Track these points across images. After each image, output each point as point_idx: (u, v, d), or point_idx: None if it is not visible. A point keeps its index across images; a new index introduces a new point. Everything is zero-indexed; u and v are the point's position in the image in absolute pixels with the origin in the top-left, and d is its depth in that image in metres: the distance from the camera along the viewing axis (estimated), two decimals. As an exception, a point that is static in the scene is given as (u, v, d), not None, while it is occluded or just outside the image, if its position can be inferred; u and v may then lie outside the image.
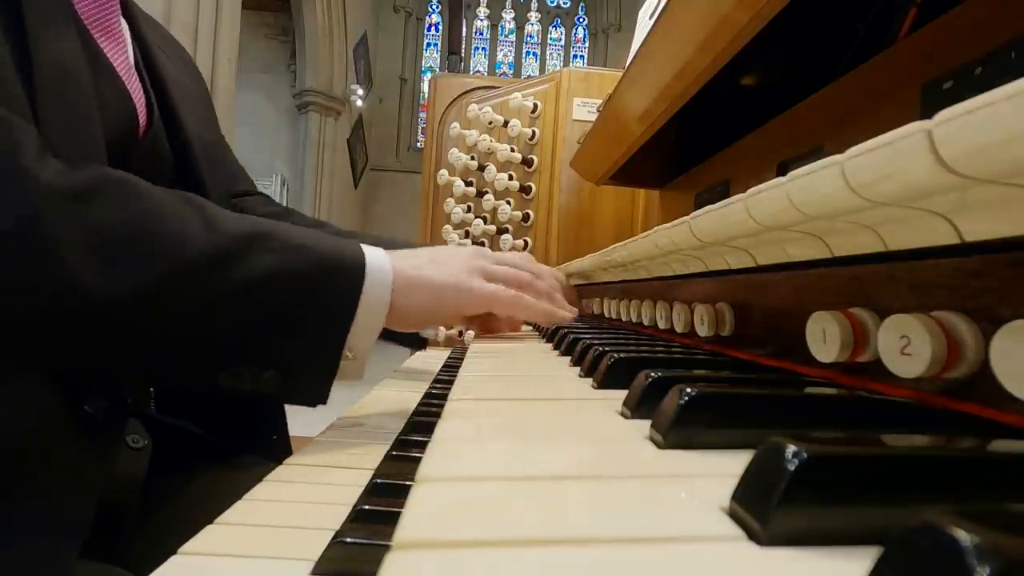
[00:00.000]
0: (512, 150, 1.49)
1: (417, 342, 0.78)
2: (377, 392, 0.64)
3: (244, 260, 0.44)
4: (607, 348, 0.46)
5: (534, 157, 1.48)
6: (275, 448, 0.74)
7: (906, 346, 0.27)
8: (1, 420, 0.42)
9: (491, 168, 1.50)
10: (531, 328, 0.91)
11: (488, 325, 0.75)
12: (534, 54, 11.29)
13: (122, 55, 0.61)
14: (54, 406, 0.44)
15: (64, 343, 0.42)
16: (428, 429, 0.34)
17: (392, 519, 0.20)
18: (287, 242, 0.46)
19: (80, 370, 0.45)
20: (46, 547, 0.42)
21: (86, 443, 0.46)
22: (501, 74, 10.97)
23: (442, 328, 1.58)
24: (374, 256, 0.49)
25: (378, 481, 0.32)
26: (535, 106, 1.49)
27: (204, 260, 0.43)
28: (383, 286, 0.49)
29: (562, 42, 11.29)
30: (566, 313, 0.69)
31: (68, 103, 0.49)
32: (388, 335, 0.72)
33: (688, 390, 0.26)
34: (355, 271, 0.47)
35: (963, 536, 0.11)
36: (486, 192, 1.52)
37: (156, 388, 0.64)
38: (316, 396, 0.46)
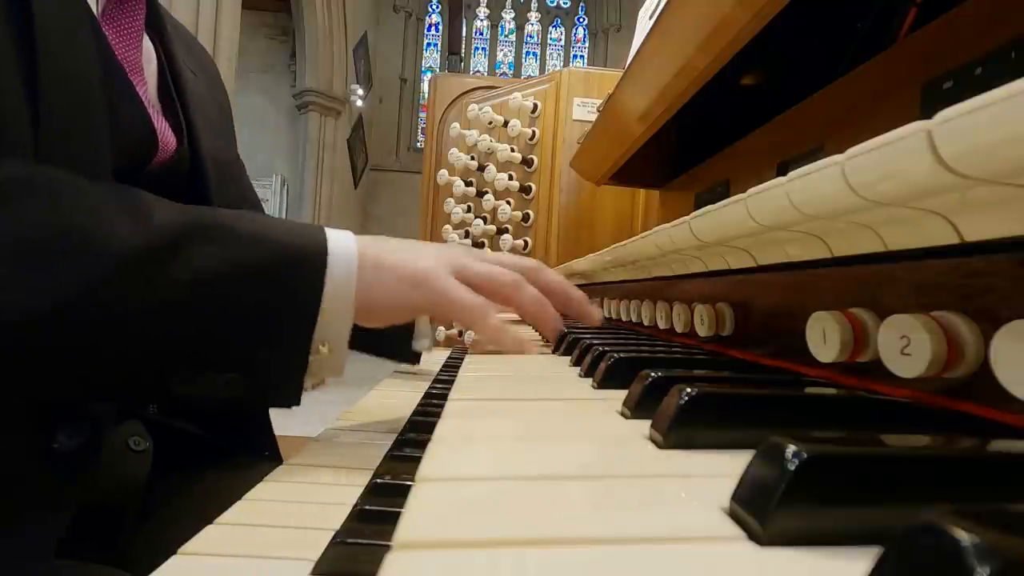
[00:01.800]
0: (512, 150, 1.49)
1: (410, 356, 0.73)
2: (377, 392, 0.64)
3: (182, 256, 0.39)
4: (607, 348, 0.46)
5: (534, 157, 1.48)
6: (275, 449, 0.74)
7: (906, 346, 0.27)
8: None
9: (491, 168, 1.50)
10: (531, 328, 0.91)
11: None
12: (534, 54, 11.29)
13: (142, 77, 0.60)
14: (20, 445, 0.42)
15: None
16: (428, 429, 0.34)
17: (392, 519, 0.20)
18: (234, 231, 0.42)
19: (10, 396, 0.41)
20: None
21: (54, 481, 0.44)
22: (501, 74, 10.97)
23: (442, 328, 1.58)
24: (338, 239, 0.45)
25: (378, 481, 0.32)
26: (535, 106, 1.49)
27: (134, 260, 0.38)
28: (349, 271, 0.44)
29: (562, 42, 11.29)
30: (530, 345, 0.58)
31: (75, 123, 0.47)
32: (378, 350, 0.70)
33: (688, 390, 0.26)
34: (317, 258, 0.42)
35: (963, 536, 0.11)
36: (486, 192, 1.52)
37: (105, 403, 0.62)
38: (287, 398, 0.43)
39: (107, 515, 0.57)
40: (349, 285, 0.44)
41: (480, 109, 1.55)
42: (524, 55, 11.23)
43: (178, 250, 0.40)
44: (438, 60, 10.96)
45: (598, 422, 0.32)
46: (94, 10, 0.52)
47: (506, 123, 1.50)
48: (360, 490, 0.31)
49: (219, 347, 0.40)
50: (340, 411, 0.52)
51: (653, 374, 0.32)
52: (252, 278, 0.41)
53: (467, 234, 1.56)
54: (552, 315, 0.56)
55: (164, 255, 0.39)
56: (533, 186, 1.48)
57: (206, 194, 0.66)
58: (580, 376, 0.47)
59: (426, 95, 5.25)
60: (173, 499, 0.62)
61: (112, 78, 0.53)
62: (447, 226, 1.62)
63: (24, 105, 0.44)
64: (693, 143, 0.96)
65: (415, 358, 0.71)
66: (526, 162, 1.49)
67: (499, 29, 11.25)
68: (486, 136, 1.55)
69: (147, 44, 0.62)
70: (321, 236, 0.44)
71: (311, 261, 0.43)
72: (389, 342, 0.67)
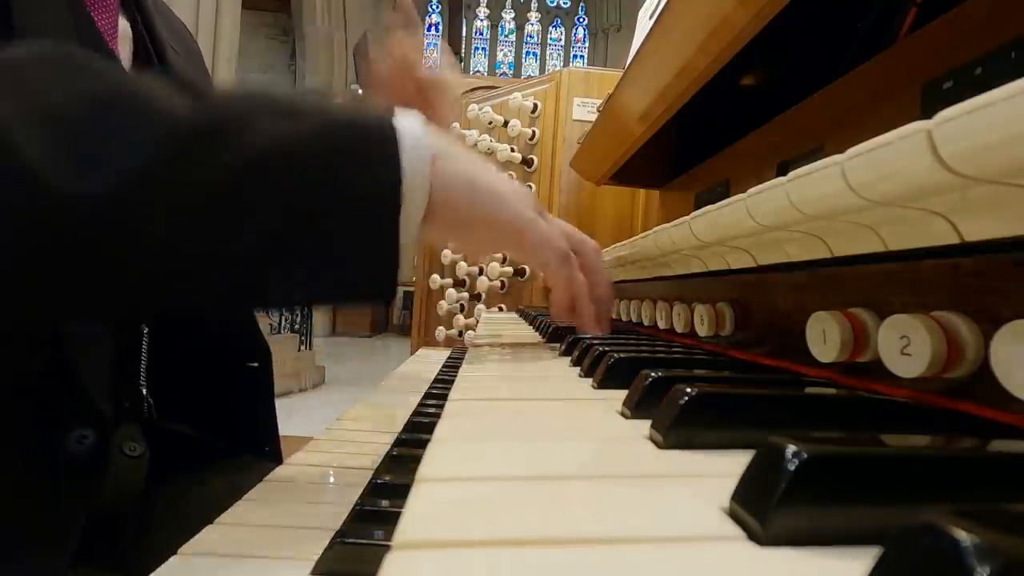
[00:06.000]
0: (512, 150, 1.49)
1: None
2: (377, 392, 0.64)
3: (252, 128, 0.34)
4: (607, 348, 0.46)
5: (534, 157, 1.48)
6: (272, 449, 0.74)
7: (906, 346, 0.27)
8: None
9: (491, 168, 1.50)
10: (531, 328, 0.91)
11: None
12: (534, 54, 11.29)
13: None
14: (31, 447, 0.41)
15: (35, 270, 0.31)
16: (428, 429, 0.34)
17: (392, 519, 0.20)
18: (297, 105, 0.37)
19: (66, 313, 0.36)
20: None
21: (65, 485, 0.43)
22: (501, 74, 10.97)
23: (442, 328, 1.58)
24: (407, 122, 0.39)
25: (378, 481, 0.32)
26: (535, 106, 1.49)
27: (200, 132, 0.33)
28: (422, 158, 0.38)
29: (562, 42, 11.29)
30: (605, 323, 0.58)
31: None
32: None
33: (688, 390, 0.26)
34: (388, 132, 0.37)
35: (963, 536, 0.11)
36: (486, 192, 1.52)
37: (184, 317, 0.53)
38: (381, 291, 0.37)
39: (104, 523, 0.57)
40: (423, 174, 0.38)
41: (480, 109, 1.55)
42: (524, 55, 11.23)
43: (248, 123, 0.34)
44: (438, 60, 10.94)
45: (598, 422, 0.32)
46: None
47: (506, 123, 1.50)
48: (360, 490, 0.31)
49: (303, 232, 0.35)
50: (340, 411, 0.53)
51: (653, 374, 0.32)
52: (328, 151, 0.36)
53: (467, 234, 1.56)
54: (588, 310, 0.56)
55: (231, 127, 0.34)
56: (533, 186, 1.48)
57: None
58: (580, 376, 0.47)
59: (426, 95, 5.24)
60: (172, 505, 0.62)
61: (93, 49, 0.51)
62: (447, 226, 1.62)
63: None
64: (693, 143, 0.96)
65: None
66: (526, 162, 1.49)
67: (499, 29, 11.25)
68: (486, 136, 1.55)
69: (122, 23, 0.59)
70: (387, 116, 0.39)
71: (386, 136, 0.37)
72: None
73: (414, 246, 0.39)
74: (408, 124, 0.38)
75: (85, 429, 0.46)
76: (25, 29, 0.43)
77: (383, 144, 0.37)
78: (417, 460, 0.25)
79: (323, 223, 0.35)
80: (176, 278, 0.34)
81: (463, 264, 1.57)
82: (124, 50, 0.59)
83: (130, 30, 0.61)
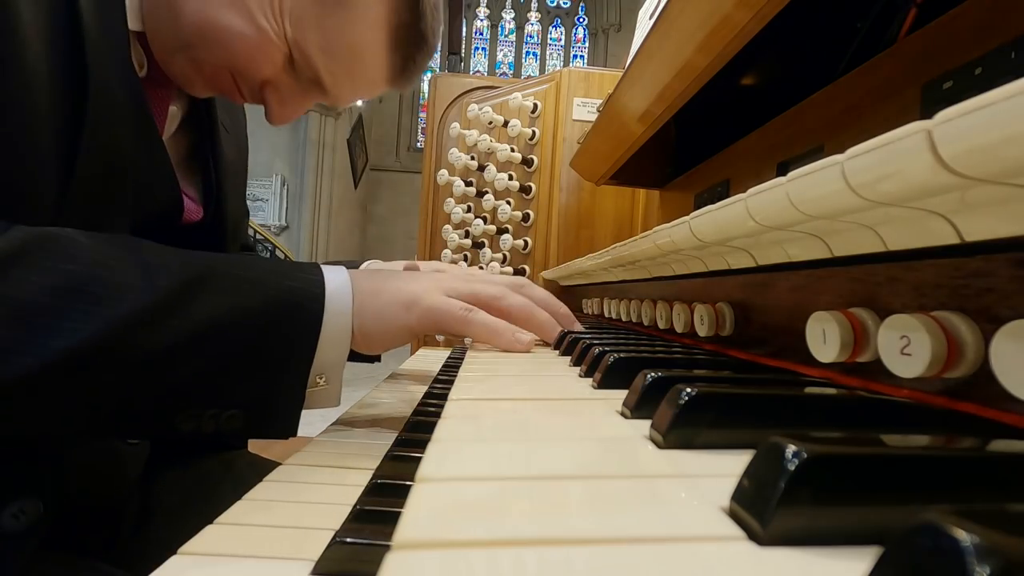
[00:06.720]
0: (512, 150, 1.49)
1: (369, 357, 0.71)
2: (376, 392, 0.64)
3: (188, 306, 0.41)
4: (607, 348, 0.46)
5: (534, 157, 1.48)
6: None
7: (906, 346, 0.27)
8: None
9: (491, 168, 1.50)
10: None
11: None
12: (534, 54, 11.29)
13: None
14: None
15: None
16: (428, 429, 0.34)
17: (392, 519, 0.20)
18: (237, 279, 0.44)
19: (17, 436, 0.43)
20: None
21: None
22: (501, 74, 10.98)
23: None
24: (334, 280, 0.47)
25: (378, 481, 0.32)
26: (535, 106, 1.49)
27: (141, 314, 0.40)
28: (344, 309, 0.46)
29: (562, 42, 11.30)
30: (522, 339, 0.58)
31: (103, 193, 0.49)
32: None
33: (688, 390, 0.26)
34: (314, 302, 0.45)
35: (963, 536, 0.11)
36: (486, 192, 1.52)
37: (110, 438, 0.60)
38: (284, 431, 0.44)
39: (105, 512, 0.57)
40: (345, 321, 0.47)
41: (480, 109, 1.55)
42: (524, 55, 11.23)
43: (185, 301, 0.41)
44: (438, 60, 10.95)
45: (598, 422, 0.32)
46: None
47: (506, 123, 1.50)
48: (360, 490, 0.31)
49: (221, 388, 0.42)
50: (340, 411, 0.53)
51: (653, 374, 0.32)
52: (252, 323, 0.43)
53: (467, 234, 1.56)
54: (543, 317, 0.60)
55: (172, 306, 0.41)
56: (533, 186, 1.48)
57: (221, 249, 0.68)
58: (580, 376, 0.47)
59: (426, 95, 5.25)
60: (171, 496, 0.62)
61: (151, 151, 0.55)
62: (447, 226, 1.62)
63: (54, 176, 0.45)
64: (693, 143, 0.96)
65: (374, 358, 0.70)
66: (526, 162, 1.49)
67: (499, 29, 11.25)
68: (486, 136, 1.55)
69: (172, 109, 0.62)
70: (317, 277, 0.47)
71: (308, 303, 0.45)
72: None
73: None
74: (335, 282, 0.47)
75: (26, 501, 0.45)
76: (96, 109, 0.47)
77: (307, 313, 0.44)
78: (417, 460, 0.25)
79: (244, 380, 0.42)
80: (103, 419, 0.40)
81: (463, 264, 1.57)
82: (171, 127, 0.63)
83: (179, 112, 0.63)
